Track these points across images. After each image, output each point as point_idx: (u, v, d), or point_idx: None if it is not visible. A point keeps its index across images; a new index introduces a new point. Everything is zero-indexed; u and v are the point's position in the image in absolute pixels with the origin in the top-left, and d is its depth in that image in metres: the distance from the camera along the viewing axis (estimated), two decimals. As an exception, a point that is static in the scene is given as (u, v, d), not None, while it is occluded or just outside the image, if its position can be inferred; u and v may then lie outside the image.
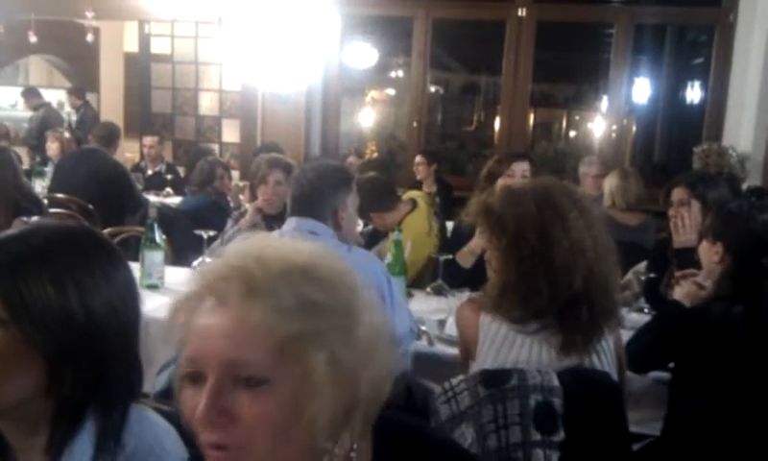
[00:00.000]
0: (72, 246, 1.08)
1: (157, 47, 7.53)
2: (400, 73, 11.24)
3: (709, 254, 2.24)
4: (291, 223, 2.40)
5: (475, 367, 1.82)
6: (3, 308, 1.00)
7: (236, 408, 0.83)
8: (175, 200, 5.49)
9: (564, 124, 13.29)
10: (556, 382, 1.66)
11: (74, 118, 8.66)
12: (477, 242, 2.98)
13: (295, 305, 0.84)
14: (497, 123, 10.67)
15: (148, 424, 1.13)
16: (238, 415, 0.83)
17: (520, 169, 3.28)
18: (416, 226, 3.33)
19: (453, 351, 2.22)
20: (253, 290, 0.84)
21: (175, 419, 1.20)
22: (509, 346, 1.79)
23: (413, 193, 3.67)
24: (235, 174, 6.24)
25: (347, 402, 0.87)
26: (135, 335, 1.13)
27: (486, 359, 1.80)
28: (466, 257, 3.04)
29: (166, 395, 1.74)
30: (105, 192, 4.97)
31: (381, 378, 0.91)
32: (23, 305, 1.00)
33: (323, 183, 2.40)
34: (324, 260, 0.91)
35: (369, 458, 0.95)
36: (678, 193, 3.02)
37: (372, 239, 3.62)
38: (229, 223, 3.59)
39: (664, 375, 2.21)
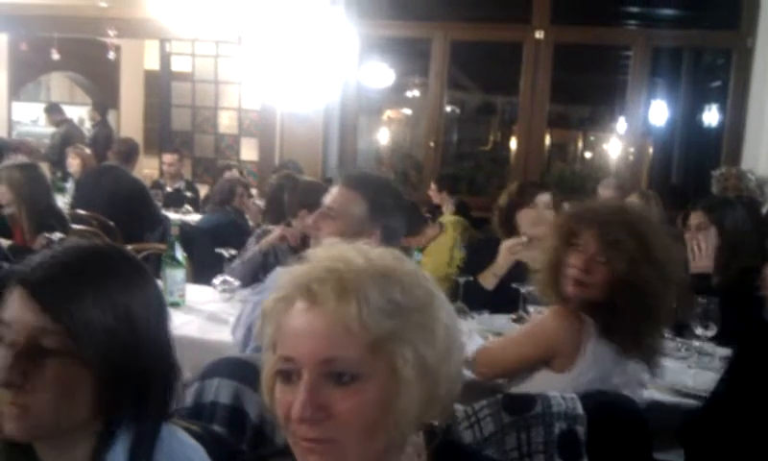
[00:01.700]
0: (115, 269, 1.09)
1: (178, 65, 7.62)
2: (416, 93, 11.29)
3: None
4: None
5: (567, 379, 1.87)
6: (64, 337, 1.00)
7: (331, 404, 0.89)
8: (194, 217, 5.53)
9: (580, 145, 13.29)
10: (580, 410, 1.66)
11: (91, 135, 8.77)
12: (501, 264, 2.98)
13: (383, 305, 0.90)
14: (513, 143, 10.71)
15: (178, 442, 1.14)
16: (333, 410, 0.89)
17: (543, 201, 3.28)
18: (438, 254, 3.32)
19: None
20: (347, 291, 0.89)
21: (202, 438, 1.21)
22: (615, 365, 1.87)
23: (449, 218, 3.63)
24: (253, 192, 6.28)
25: (429, 397, 0.92)
26: (170, 352, 1.14)
27: (587, 375, 1.87)
28: (489, 279, 3.05)
29: (192, 413, 1.77)
30: (124, 209, 5.02)
31: (456, 375, 0.97)
32: (84, 333, 1.00)
33: (398, 208, 2.18)
34: (400, 264, 0.96)
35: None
36: (696, 217, 3.03)
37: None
38: (251, 241, 3.59)
39: (691, 402, 2.20)
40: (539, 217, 3.23)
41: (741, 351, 2.12)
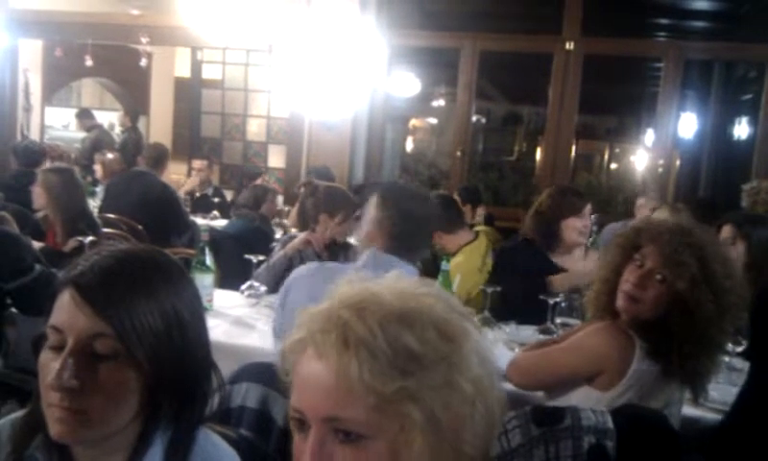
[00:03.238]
0: (164, 272, 1.10)
1: (208, 73, 7.72)
2: (442, 102, 11.30)
3: None
4: (383, 260, 2.10)
5: (608, 397, 1.86)
6: (117, 341, 1.01)
7: (337, 460, 0.85)
8: (221, 223, 5.58)
9: (606, 156, 13.19)
10: (610, 424, 1.64)
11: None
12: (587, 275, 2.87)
13: (392, 360, 0.82)
14: (538, 154, 10.69)
15: (212, 446, 1.15)
16: None
17: (588, 210, 3.26)
18: (469, 259, 3.32)
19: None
20: (349, 345, 0.83)
21: (237, 444, 1.22)
22: (656, 388, 1.86)
23: (482, 227, 3.63)
24: (279, 198, 6.33)
25: (451, 455, 0.85)
26: (210, 354, 1.15)
27: (627, 394, 1.86)
28: (561, 284, 3.01)
29: (221, 417, 1.78)
30: (153, 214, 5.08)
31: (489, 423, 0.88)
32: (136, 337, 1.01)
33: (425, 224, 2.16)
34: (429, 304, 0.88)
35: None
36: (725, 231, 3.01)
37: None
38: (277, 246, 3.62)
39: (716, 416, 2.19)
40: (585, 228, 3.19)
41: (759, 364, 2.10)
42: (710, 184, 8.71)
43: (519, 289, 2.99)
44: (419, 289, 0.90)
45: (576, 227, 3.20)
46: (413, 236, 2.15)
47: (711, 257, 1.84)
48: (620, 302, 1.92)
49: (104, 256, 1.07)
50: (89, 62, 6.68)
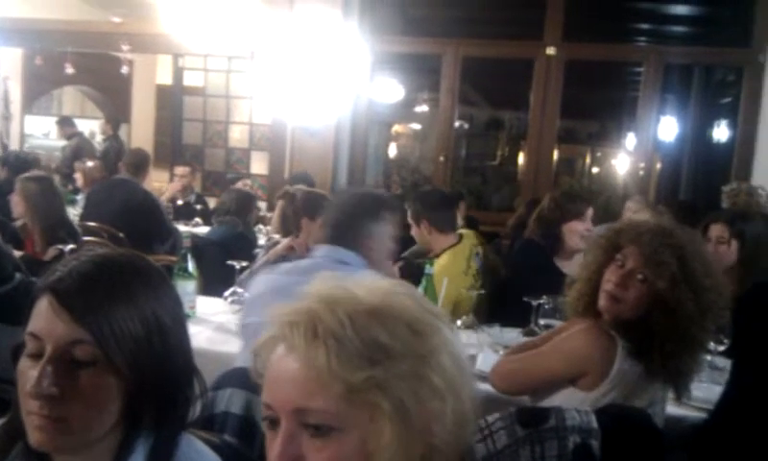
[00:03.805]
0: (144, 277, 1.08)
1: (190, 80, 7.69)
2: (425, 108, 11.34)
3: None
4: (323, 250, 2.35)
5: (592, 397, 1.86)
6: (97, 347, 0.99)
7: (307, 455, 0.84)
8: (203, 229, 5.55)
9: (588, 160, 13.29)
10: (595, 424, 1.64)
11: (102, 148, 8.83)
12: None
13: (361, 350, 0.83)
14: (521, 158, 10.75)
15: (195, 453, 1.13)
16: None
17: (590, 213, 3.27)
18: (455, 262, 3.32)
19: (485, 386, 2.21)
20: (318, 335, 0.84)
21: (221, 450, 1.21)
22: (639, 387, 1.87)
23: (465, 231, 3.63)
24: (262, 205, 6.31)
25: (421, 449, 0.85)
26: (192, 359, 1.13)
27: (611, 394, 1.86)
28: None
29: (204, 423, 1.77)
30: (135, 221, 5.03)
31: (460, 423, 0.88)
32: (115, 343, 1.00)
33: (353, 210, 2.35)
34: (400, 302, 0.88)
35: None
36: (717, 230, 3.00)
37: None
38: (260, 253, 3.62)
39: (700, 415, 2.20)
40: (587, 231, 3.18)
41: (742, 363, 2.13)
42: (691, 187, 8.81)
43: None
44: (393, 288, 0.91)
45: (578, 230, 3.20)
46: (342, 224, 2.31)
47: (691, 256, 1.85)
48: (602, 301, 1.93)
49: (82, 262, 1.05)
50: (70, 70, 6.64)
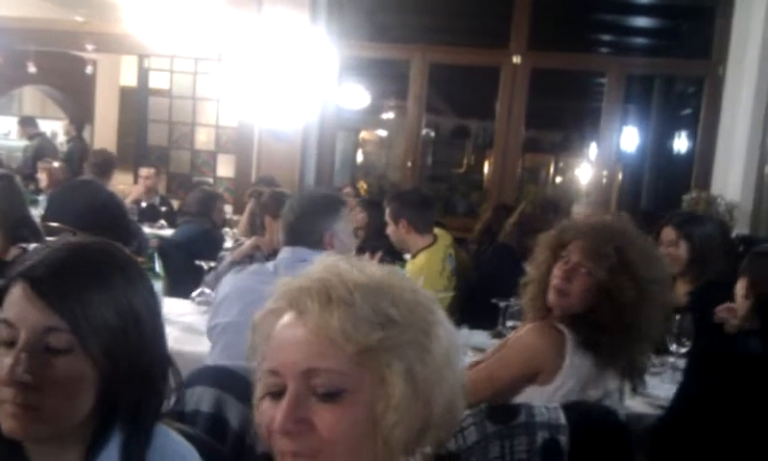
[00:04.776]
0: (118, 265, 1.07)
1: (156, 82, 7.61)
2: (391, 115, 11.40)
3: (739, 289, 2.32)
4: (286, 252, 2.39)
5: (550, 390, 1.89)
6: (72, 335, 0.98)
7: (313, 417, 0.85)
8: (168, 232, 5.49)
9: (552, 169, 13.49)
10: (563, 419, 1.67)
11: (65, 149, 8.68)
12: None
13: (372, 317, 0.85)
14: (487, 166, 10.86)
15: (171, 442, 1.13)
16: (316, 424, 0.85)
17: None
18: (430, 262, 3.34)
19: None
20: (332, 300, 0.86)
21: (195, 441, 1.21)
22: (592, 377, 1.90)
23: (439, 231, 3.65)
24: (228, 208, 6.26)
25: (421, 420, 0.87)
26: (167, 350, 1.13)
27: (567, 385, 1.89)
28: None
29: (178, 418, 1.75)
30: (99, 222, 4.94)
31: (454, 398, 0.91)
32: (90, 330, 0.99)
33: (310, 211, 2.40)
34: (399, 280, 0.92)
35: None
36: (666, 233, 3.09)
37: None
38: (227, 255, 3.60)
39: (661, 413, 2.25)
40: None
41: (696, 362, 2.19)
42: (652, 196, 8.99)
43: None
44: (387, 271, 0.94)
45: None
46: (302, 225, 2.37)
47: (629, 248, 1.93)
48: (550, 297, 2.00)
49: (56, 249, 1.04)
50: (33, 70, 6.52)
